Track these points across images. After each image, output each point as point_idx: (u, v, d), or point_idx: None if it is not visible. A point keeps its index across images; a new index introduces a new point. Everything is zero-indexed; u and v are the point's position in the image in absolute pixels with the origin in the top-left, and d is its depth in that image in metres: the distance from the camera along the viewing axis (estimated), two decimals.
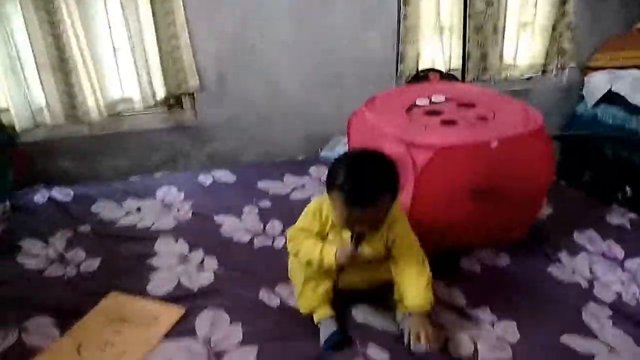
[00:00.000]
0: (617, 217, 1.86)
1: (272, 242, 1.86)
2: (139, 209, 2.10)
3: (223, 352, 1.30)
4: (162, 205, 2.13)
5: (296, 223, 1.43)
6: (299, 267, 1.43)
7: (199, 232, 1.91)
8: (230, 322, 1.42)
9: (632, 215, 1.85)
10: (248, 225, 1.97)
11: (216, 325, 1.41)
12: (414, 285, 1.32)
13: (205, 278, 1.64)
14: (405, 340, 1.27)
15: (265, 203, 2.13)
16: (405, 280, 1.35)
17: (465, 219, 1.55)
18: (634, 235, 1.74)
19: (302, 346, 1.33)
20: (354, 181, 1.18)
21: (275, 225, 1.97)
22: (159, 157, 2.70)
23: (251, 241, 1.87)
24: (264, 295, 1.55)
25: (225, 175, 2.39)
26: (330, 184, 1.24)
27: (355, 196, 1.18)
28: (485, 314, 1.43)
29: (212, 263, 1.72)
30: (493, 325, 1.39)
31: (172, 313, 1.45)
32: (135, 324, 1.40)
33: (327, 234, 1.39)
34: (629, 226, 1.80)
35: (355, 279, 1.44)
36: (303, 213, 1.43)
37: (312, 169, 2.43)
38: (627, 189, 1.89)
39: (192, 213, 2.06)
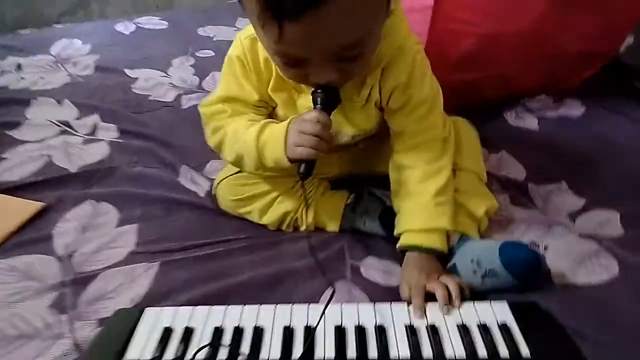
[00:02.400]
0: None
1: None
2: (19, 66, 1.41)
3: (91, 276, 0.70)
4: (55, 61, 1.44)
5: (215, 90, 0.76)
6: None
7: (98, 91, 1.27)
8: (119, 224, 0.81)
9: None
10: (176, 80, 1.32)
11: (92, 228, 0.80)
12: (412, 198, 0.70)
13: (95, 153, 1.01)
14: (402, 296, 0.65)
15: (206, 52, 1.48)
16: (401, 185, 0.72)
17: (529, 31, 0.88)
18: None
19: (247, 257, 0.74)
20: None
21: (217, 79, 1.31)
22: (64, 3, 1.92)
23: (177, 100, 1.23)
24: (185, 175, 0.93)
25: (153, 22, 1.71)
26: None
27: None
28: (559, 196, 0.83)
29: (109, 131, 1.09)
30: (574, 217, 0.79)
31: (21, 209, 0.84)
32: None
33: (276, 105, 0.73)
34: None
35: (330, 168, 0.82)
36: (223, 66, 0.74)
37: None
38: None
39: (96, 67, 1.39)
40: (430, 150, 0.71)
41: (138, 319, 0.58)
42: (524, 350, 0.53)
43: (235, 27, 1.66)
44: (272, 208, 0.79)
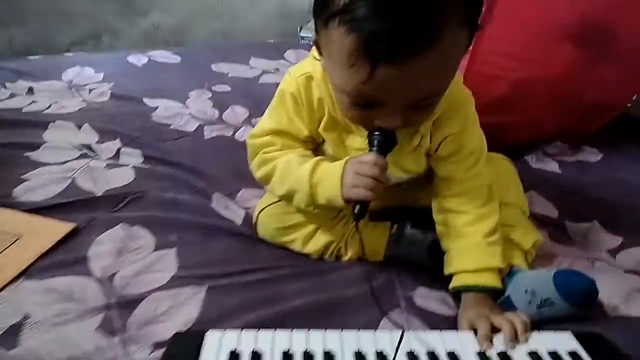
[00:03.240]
0: None
1: (233, 133, 1.22)
2: (30, 90, 1.40)
3: (137, 299, 0.67)
4: (68, 87, 1.43)
5: (260, 121, 0.77)
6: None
7: (117, 118, 1.25)
8: (156, 248, 0.78)
9: None
10: (195, 111, 1.32)
11: (128, 251, 0.77)
12: (463, 239, 0.71)
13: (120, 177, 0.98)
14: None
15: (223, 87, 1.49)
16: (449, 227, 0.73)
17: (557, 78, 0.94)
18: None
19: (295, 284, 0.72)
20: None
21: (237, 112, 1.33)
22: (75, 32, 1.94)
23: (199, 130, 1.22)
24: (219, 202, 0.92)
25: (166, 56, 1.73)
26: (325, 10, 0.53)
27: (391, 32, 0.48)
28: (596, 234, 0.86)
29: (133, 156, 1.07)
30: (614, 253, 0.81)
31: (52, 230, 0.80)
32: None
33: (322, 141, 0.74)
34: None
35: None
36: (273, 99, 0.75)
37: (290, 54, 1.80)
38: None
39: (112, 95, 1.38)
40: (478, 196, 0.73)
41: (201, 343, 0.55)
42: None
43: (250, 65, 1.69)
44: (316, 237, 0.79)
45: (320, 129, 0.72)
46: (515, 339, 0.58)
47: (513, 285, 0.69)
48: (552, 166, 1.08)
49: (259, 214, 0.82)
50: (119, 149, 1.09)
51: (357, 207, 0.62)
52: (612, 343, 0.59)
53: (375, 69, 0.51)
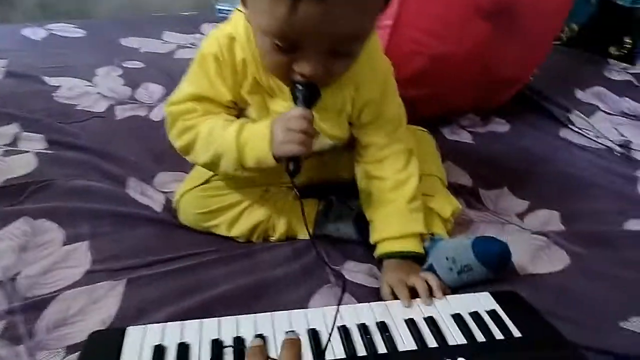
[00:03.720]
0: (619, 74, 1.44)
1: (148, 113, 1.15)
2: None
3: (45, 300, 0.61)
4: None
5: (179, 87, 0.72)
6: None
7: (13, 99, 1.13)
8: (65, 242, 0.72)
9: (637, 70, 1.45)
10: (104, 90, 1.22)
11: (33, 247, 0.70)
12: (385, 206, 0.73)
13: (20, 165, 0.89)
14: (384, 297, 0.66)
15: (134, 63, 1.39)
16: (371, 194, 0.75)
17: (469, 50, 0.97)
18: None
19: (221, 269, 0.70)
20: None
21: (151, 90, 1.26)
22: None
23: (110, 110, 1.14)
24: (134, 188, 0.86)
25: (68, 30, 1.58)
26: None
27: None
28: (505, 200, 0.92)
29: (34, 142, 0.97)
30: (522, 216, 0.88)
31: None
32: None
33: (246, 106, 0.72)
34: (637, 82, 1.39)
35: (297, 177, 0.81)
36: (193, 64, 0.71)
37: (206, 28, 1.71)
38: (627, 40, 1.48)
39: (6, 73, 1.23)
40: (398, 161, 0.75)
41: (121, 340, 0.52)
42: (515, 333, 0.57)
43: (163, 39, 1.59)
44: (242, 219, 0.77)
45: (243, 92, 0.69)
46: (430, 294, 0.61)
47: (434, 253, 0.72)
48: (466, 137, 1.14)
49: (179, 198, 0.79)
50: (16, 134, 0.98)
51: (291, 164, 0.61)
52: (524, 299, 0.64)
53: (297, 4, 0.51)
